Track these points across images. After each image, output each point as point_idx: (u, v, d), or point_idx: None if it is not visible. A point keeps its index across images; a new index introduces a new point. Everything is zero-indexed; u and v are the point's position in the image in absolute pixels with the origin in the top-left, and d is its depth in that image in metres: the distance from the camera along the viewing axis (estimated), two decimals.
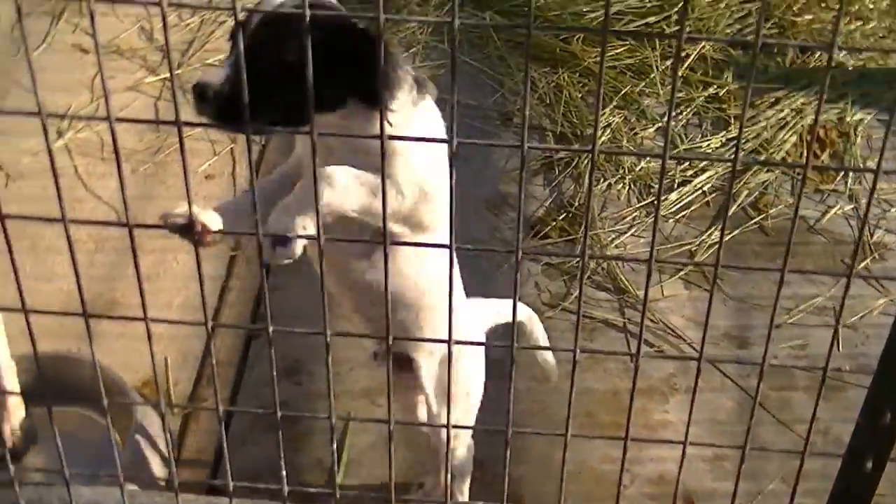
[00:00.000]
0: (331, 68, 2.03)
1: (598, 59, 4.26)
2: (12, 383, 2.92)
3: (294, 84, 1.94)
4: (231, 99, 2.05)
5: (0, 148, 3.98)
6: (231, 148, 4.03)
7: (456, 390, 2.72)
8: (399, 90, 2.19)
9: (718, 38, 4.38)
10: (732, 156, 1.62)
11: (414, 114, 2.23)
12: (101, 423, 3.00)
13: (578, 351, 1.71)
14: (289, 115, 2.10)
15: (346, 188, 2.15)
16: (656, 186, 3.94)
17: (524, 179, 1.46)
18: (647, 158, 4.02)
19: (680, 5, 4.59)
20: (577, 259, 3.66)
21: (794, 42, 4.44)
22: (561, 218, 3.80)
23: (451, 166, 1.43)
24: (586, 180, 3.90)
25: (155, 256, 3.62)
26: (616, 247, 3.75)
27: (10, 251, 1.67)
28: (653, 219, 3.83)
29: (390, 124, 2.09)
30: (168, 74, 4.32)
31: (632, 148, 4.10)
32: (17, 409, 2.97)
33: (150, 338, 1.72)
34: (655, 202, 3.82)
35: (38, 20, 4.54)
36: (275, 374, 1.77)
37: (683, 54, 4.41)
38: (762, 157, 4.07)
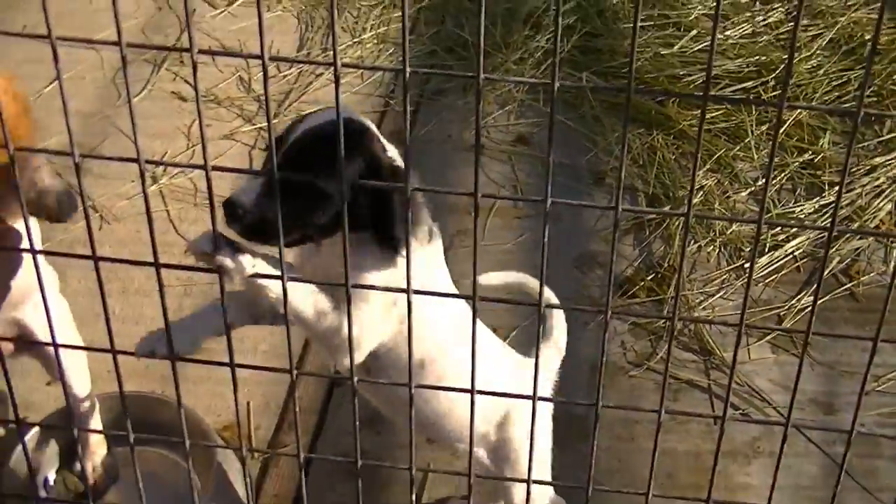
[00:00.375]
0: (356, 198, 2.10)
1: (694, 121, 4.30)
2: (96, 422, 2.96)
3: (321, 206, 2.07)
4: (260, 219, 2.08)
5: (97, 191, 4.04)
6: None
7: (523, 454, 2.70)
8: (415, 238, 2.25)
9: (819, 107, 4.34)
10: (828, 222, 1.60)
11: (422, 261, 2.27)
12: (181, 465, 3.03)
13: (663, 412, 1.70)
14: (313, 233, 2.16)
15: (304, 296, 2.18)
16: (747, 250, 3.92)
17: (616, 240, 1.46)
18: (739, 223, 4.00)
19: (779, 70, 4.57)
20: (666, 319, 3.65)
21: (892, 114, 4.40)
22: (650, 278, 3.78)
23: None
24: (677, 242, 3.89)
25: None
26: (704, 309, 3.73)
27: (102, 293, 1.70)
28: (742, 282, 3.81)
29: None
30: (264, 124, 4.37)
31: (724, 211, 4.08)
32: (99, 448, 3.01)
33: (234, 383, 1.74)
34: (748, 266, 3.80)
35: (139, 68, 4.63)
36: (357, 422, 1.78)
37: (784, 112, 4.39)
38: (856, 225, 4.03)
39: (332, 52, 1.38)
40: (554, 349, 2.82)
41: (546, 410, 2.75)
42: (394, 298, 2.26)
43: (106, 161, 4.13)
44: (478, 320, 2.57)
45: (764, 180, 1.23)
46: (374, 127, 2.26)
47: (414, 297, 2.16)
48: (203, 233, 2.09)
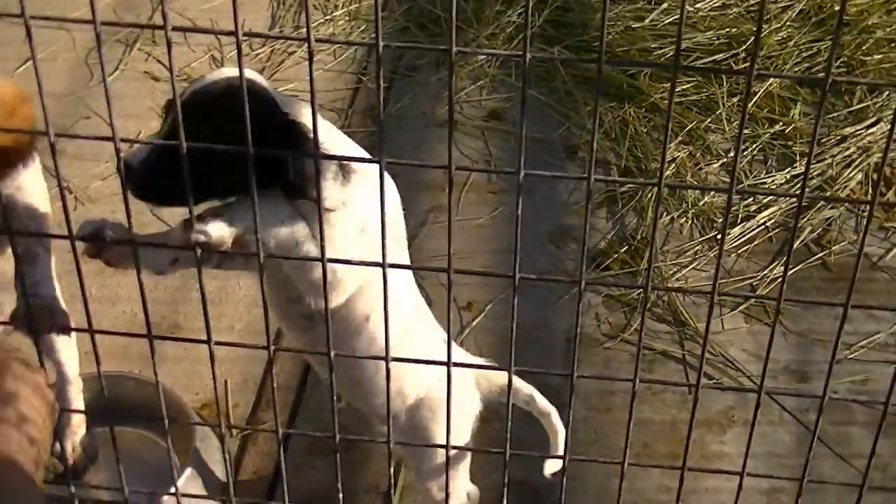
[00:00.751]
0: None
1: (665, 94, 4.31)
2: (78, 401, 2.96)
3: (214, 164, 1.92)
4: (151, 177, 2.08)
5: (72, 172, 4.04)
6: None
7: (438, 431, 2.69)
8: (323, 180, 2.19)
9: (788, 75, 4.37)
10: (798, 192, 1.62)
11: (344, 198, 2.24)
12: (160, 443, 3.04)
13: (638, 381, 1.72)
14: (212, 192, 2.13)
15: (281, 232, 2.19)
16: (719, 221, 3.95)
17: (589, 211, 1.48)
18: (712, 193, 4.02)
19: (749, 42, 4.59)
20: (639, 291, 3.68)
21: (864, 81, 4.43)
22: (623, 250, 3.80)
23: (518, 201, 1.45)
24: (650, 213, 3.91)
25: (219, 281, 3.66)
26: (677, 280, 3.75)
27: (80, 273, 1.71)
28: (715, 253, 3.83)
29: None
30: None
31: (696, 183, 4.10)
32: (79, 428, 3.01)
33: (212, 361, 1.75)
34: (719, 236, 3.83)
35: (111, 48, 4.62)
36: (334, 398, 1.80)
37: (754, 83, 4.41)
38: (827, 195, 4.06)
39: (304, 29, 1.39)
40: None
41: (471, 408, 2.74)
42: (362, 225, 2.26)
43: (80, 142, 4.12)
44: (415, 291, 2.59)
45: (734, 151, 1.24)
46: (265, 83, 2.24)
47: (364, 242, 2.19)
48: (84, 220, 2.10)
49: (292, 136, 2.15)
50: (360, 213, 2.27)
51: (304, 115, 2.19)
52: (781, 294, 1.58)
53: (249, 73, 2.16)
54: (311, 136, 2.13)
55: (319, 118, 2.15)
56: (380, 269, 1.95)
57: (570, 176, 1.51)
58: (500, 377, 2.73)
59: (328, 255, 1.88)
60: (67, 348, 2.85)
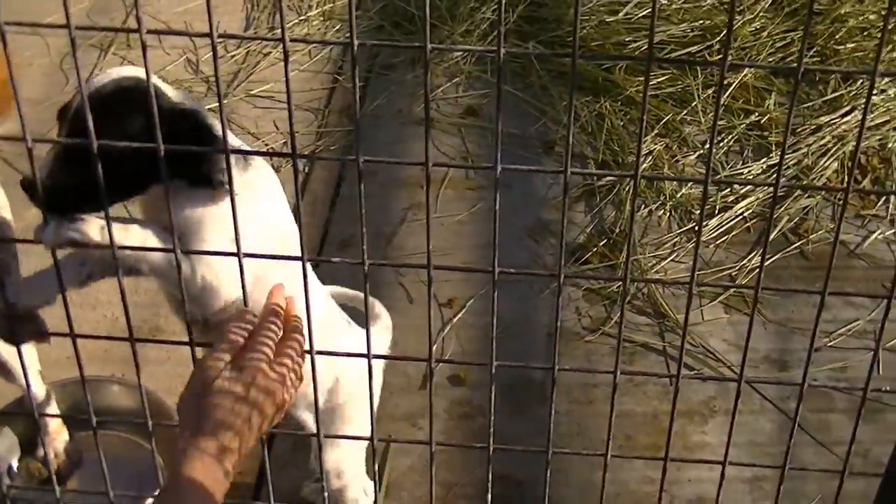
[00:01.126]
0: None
1: (641, 87, 4.33)
2: (52, 408, 2.97)
3: (118, 164, 1.93)
4: (55, 189, 2.04)
5: None
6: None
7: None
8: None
9: (761, 65, 4.37)
10: (774, 181, 1.62)
11: (244, 181, 2.23)
12: (145, 446, 3.04)
13: (619, 373, 1.74)
14: (119, 193, 2.10)
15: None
16: (697, 212, 3.96)
17: (566, 205, 1.49)
18: (689, 185, 4.04)
19: (723, 34, 4.61)
20: (619, 283, 3.69)
21: (836, 69, 4.45)
22: (602, 244, 3.82)
23: (495, 191, 1.46)
24: (628, 206, 3.93)
25: None
26: (656, 272, 3.77)
27: (60, 278, 1.71)
28: (693, 244, 3.85)
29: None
30: (213, 105, 4.37)
31: (673, 174, 4.12)
32: (60, 434, 3.01)
33: (194, 363, 1.76)
34: (697, 227, 3.85)
35: (86, 52, 4.61)
36: (316, 396, 1.80)
37: (725, 82, 4.43)
38: (803, 184, 4.08)
39: (279, 30, 1.40)
40: (384, 328, 2.83)
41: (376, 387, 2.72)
42: (260, 212, 2.28)
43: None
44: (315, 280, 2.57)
45: (710, 142, 1.25)
46: (156, 80, 2.17)
47: (254, 237, 2.19)
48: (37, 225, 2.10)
49: (193, 126, 2.13)
50: (259, 200, 2.30)
51: (200, 107, 2.20)
52: (759, 283, 1.60)
53: (135, 71, 2.14)
54: (211, 124, 2.15)
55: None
56: (275, 263, 1.97)
57: (547, 170, 1.52)
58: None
59: (221, 247, 1.87)
60: (29, 354, 2.86)
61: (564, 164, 1.50)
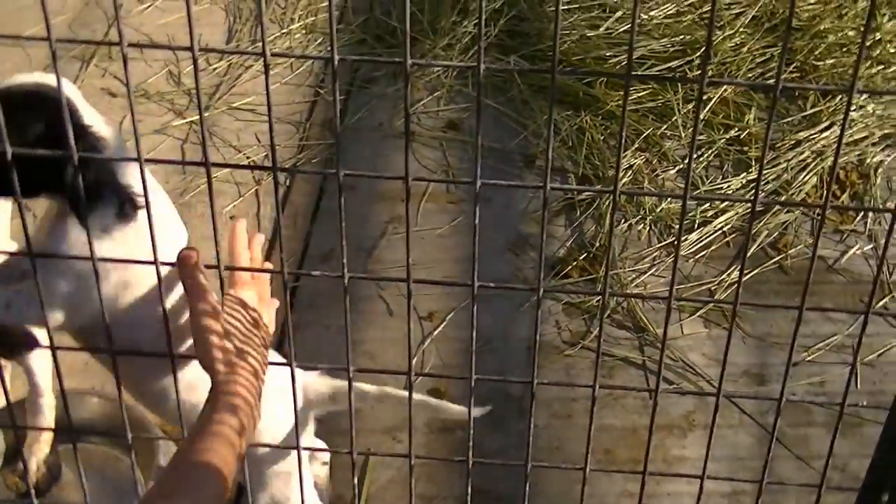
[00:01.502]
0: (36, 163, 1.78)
1: (621, 102, 4.34)
2: (49, 419, 2.96)
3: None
4: None
5: None
6: (256, 189, 4.08)
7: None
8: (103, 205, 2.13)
9: (740, 82, 4.42)
10: (752, 197, 1.62)
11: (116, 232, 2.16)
12: (124, 459, 3.04)
13: (598, 387, 1.74)
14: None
15: None
16: (677, 227, 3.97)
17: (546, 219, 1.50)
18: (669, 199, 4.05)
19: (703, 49, 4.62)
20: (598, 297, 3.70)
21: (815, 86, 4.44)
22: (582, 258, 3.82)
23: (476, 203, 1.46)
24: (608, 220, 3.94)
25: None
26: (636, 286, 3.78)
27: (39, 291, 1.71)
28: (673, 258, 3.86)
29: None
30: (195, 117, 4.38)
31: (653, 189, 4.13)
32: (46, 445, 3.01)
33: (175, 376, 1.76)
34: (676, 242, 3.86)
35: (67, 64, 4.61)
36: (296, 409, 1.81)
37: (705, 97, 4.45)
38: (782, 198, 4.10)
39: (261, 43, 1.41)
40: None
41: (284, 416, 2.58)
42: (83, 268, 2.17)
43: None
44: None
45: (688, 158, 1.25)
46: (68, 91, 2.16)
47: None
48: None
49: (86, 140, 2.11)
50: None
51: (104, 129, 2.18)
52: (737, 298, 1.61)
53: (46, 79, 2.12)
54: (102, 142, 2.13)
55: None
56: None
57: (527, 185, 1.53)
58: (325, 385, 2.67)
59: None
60: (41, 360, 2.86)
61: (544, 180, 1.50)
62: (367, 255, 3.85)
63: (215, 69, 4.65)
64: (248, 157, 4.24)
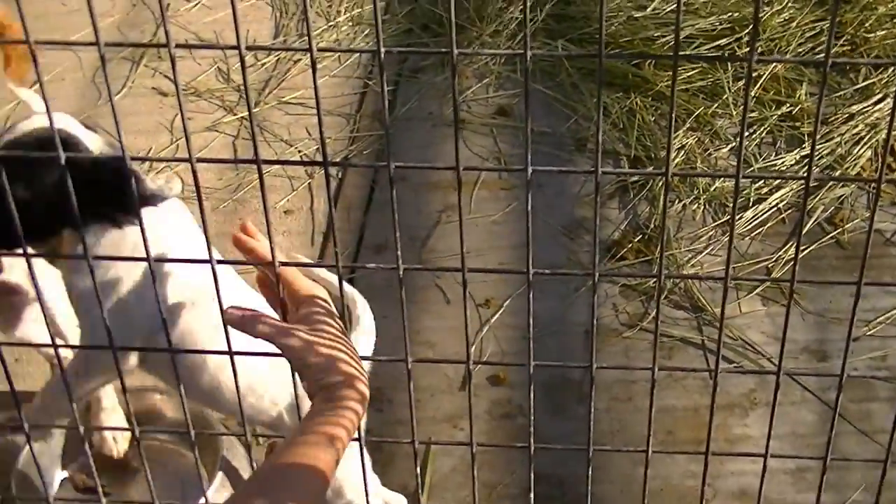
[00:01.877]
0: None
1: (670, 83, 4.31)
2: (114, 418, 3.00)
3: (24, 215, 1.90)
4: None
5: None
6: (308, 183, 4.10)
7: None
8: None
9: (788, 59, 4.38)
10: (806, 173, 1.60)
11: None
12: (187, 455, 3.06)
13: (657, 369, 1.74)
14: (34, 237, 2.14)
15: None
16: (731, 205, 3.95)
17: (599, 204, 1.49)
18: (722, 178, 4.03)
19: (750, 27, 4.59)
20: (655, 279, 3.68)
21: (865, 61, 4.41)
22: (637, 240, 3.81)
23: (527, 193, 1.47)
24: (661, 202, 3.92)
25: None
26: (692, 266, 3.76)
27: (97, 291, 1.73)
28: (728, 237, 3.83)
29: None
30: (245, 113, 4.39)
31: (706, 169, 4.11)
32: (122, 441, 3.05)
33: (234, 372, 1.77)
34: (730, 221, 3.84)
35: (118, 65, 4.64)
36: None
37: (755, 74, 4.42)
38: (836, 173, 4.06)
39: (307, 39, 1.41)
40: (364, 335, 2.78)
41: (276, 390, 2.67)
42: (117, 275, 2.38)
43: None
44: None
45: (740, 136, 1.24)
46: (71, 128, 2.33)
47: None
48: None
49: (98, 170, 2.18)
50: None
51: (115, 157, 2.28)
52: (794, 276, 1.60)
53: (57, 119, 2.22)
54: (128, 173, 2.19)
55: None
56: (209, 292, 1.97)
57: (578, 171, 1.53)
58: None
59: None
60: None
61: (595, 165, 1.50)
62: (421, 245, 3.85)
63: (264, 64, 4.66)
64: (299, 152, 4.25)
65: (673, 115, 1.40)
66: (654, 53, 4.47)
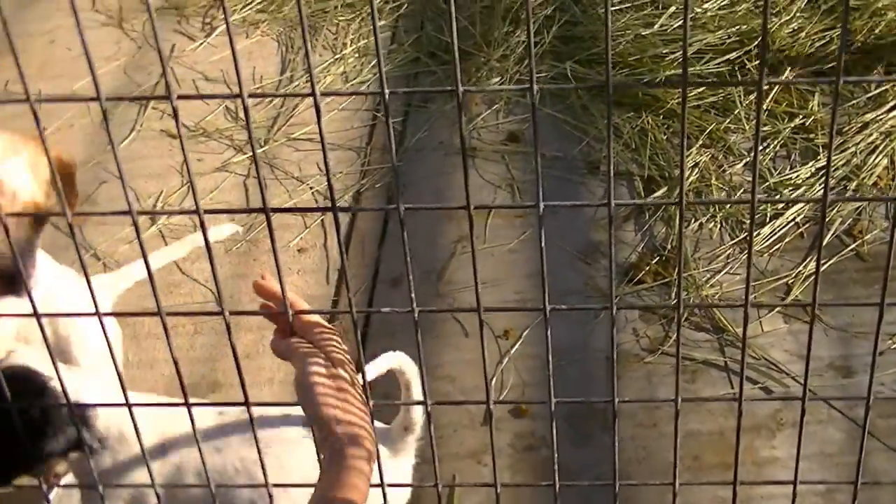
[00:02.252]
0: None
1: (681, 100, 4.29)
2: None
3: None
4: None
5: (97, 239, 4.05)
6: (321, 220, 4.07)
7: None
8: None
9: (798, 80, 4.30)
10: (822, 186, 1.57)
11: None
12: None
13: (680, 400, 1.71)
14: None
15: None
16: (748, 222, 3.91)
17: (613, 236, 1.47)
18: (738, 194, 3.99)
19: (758, 40, 4.56)
20: (673, 308, 3.64)
21: (875, 78, 4.39)
22: (654, 262, 3.78)
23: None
24: (678, 223, 3.88)
25: (253, 334, 3.66)
26: (711, 286, 3.72)
27: (109, 344, 1.70)
28: (747, 256, 3.79)
29: None
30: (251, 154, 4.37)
31: (721, 186, 4.07)
32: None
33: (252, 422, 1.75)
34: (748, 243, 3.80)
35: (126, 109, 4.62)
36: (378, 447, 1.78)
37: (766, 87, 4.38)
38: (853, 183, 4.02)
39: (317, 77, 1.39)
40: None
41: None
42: None
43: (104, 208, 4.13)
44: None
45: (754, 154, 1.22)
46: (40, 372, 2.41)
47: None
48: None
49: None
50: None
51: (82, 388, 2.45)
52: (815, 297, 1.57)
53: (28, 358, 2.42)
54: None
55: None
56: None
57: (591, 204, 1.50)
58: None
59: None
60: None
61: (608, 195, 1.48)
62: (437, 278, 3.82)
63: (272, 102, 4.65)
64: (311, 188, 4.23)
65: (685, 142, 1.37)
66: (665, 78, 4.43)
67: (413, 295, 1.61)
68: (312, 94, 1.43)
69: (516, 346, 3.55)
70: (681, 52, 4.52)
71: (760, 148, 4.21)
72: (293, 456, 2.49)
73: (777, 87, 4.40)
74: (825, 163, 4.09)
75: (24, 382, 2.36)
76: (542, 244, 1.54)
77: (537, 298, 3.67)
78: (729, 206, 3.97)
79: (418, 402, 1.76)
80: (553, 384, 1.66)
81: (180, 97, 1.44)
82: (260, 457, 1.76)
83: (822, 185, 3.93)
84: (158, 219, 4.08)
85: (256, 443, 1.73)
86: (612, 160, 1.45)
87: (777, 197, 3.63)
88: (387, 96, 1.43)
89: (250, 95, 1.45)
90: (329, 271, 3.91)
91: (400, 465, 2.71)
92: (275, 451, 2.49)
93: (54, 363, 1.72)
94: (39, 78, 4.65)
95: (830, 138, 1.45)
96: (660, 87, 4.50)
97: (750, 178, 4.08)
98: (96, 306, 1.60)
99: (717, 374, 3.46)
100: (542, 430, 3.34)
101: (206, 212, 1.55)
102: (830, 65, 4.45)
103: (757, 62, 4.47)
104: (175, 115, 1.45)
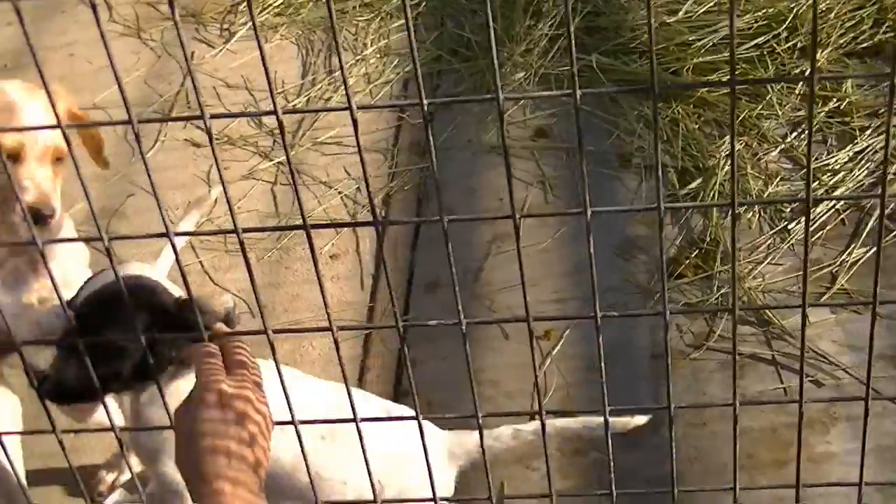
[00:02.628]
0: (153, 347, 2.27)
1: (710, 88, 4.22)
2: None
3: (117, 361, 2.30)
4: (64, 381, 2.26)
5: (129, 252, 3.99)
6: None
7: None
8: None
9: (849, 74, 4.22)
10: (866, 169, 1.53)
11: None
12: None
13: (738, 404, 1.66)
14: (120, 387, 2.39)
15: None
16: (787, 210, 3.84)
17: (663, 244, 1.41)
18: (776, 182, 3.92)
19: (790, 19, 4.48)
20: (720, 298, 3.57)
21: None
22: (694, 255, 3.71)
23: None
24: (716, 215, 3.81)
25: (291, 343, 3.61)
26: (754, 278, 3.65)
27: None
28: (788, 245, 3.73)
29: None
30: (281, 157, 4.33)
31: (757, 175, 3.99)
32: None
33: (299, 433, 1.71)
34: (795, 235, 3.73)
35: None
36: (427, 459, 1.74)
37: (798, 70, 4.32)
38: (893, 167, 3.93)
39: (339, 79, 1.34)
40: None
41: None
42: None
43: (133, 222, 4.12)
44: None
45: (808, 155, 1.18)
46: (153, 279, 2.39)
47: None
48: None
49: (183, 311, 2.31)
50: None
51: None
52: (875, 295, 1.53)
53: (140, 269, 2.42)
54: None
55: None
56: None
57: (638, 209, 1.45)
58: (471, 442, 2.68)
59: None
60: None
61: (657, 200, 1.42)
62: (473, 279, 3.76)
63: (295, 105, 4.59)
64: (339, 193, 4.17)
65: (734, 144, 1.31)
66: (711, 80, 4.32)
67: (460, 307, 1.56)
68: (349, 107, 1.38)
69: (558, 347, 3.48)
70: (708, 40, 4.45)
71: (795, 133, 4.14)
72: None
73: (808, 70, 4.32)
74: (864, 145, 4.02)
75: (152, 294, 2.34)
76: (591, 250, 1.50)
77: (576, 297, 3.61)
78: (765, 195, 3.90)
79: (468, 416, 1.70)
80: (601, 390, 1.63)
81: (213, 116, 1.39)
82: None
83: (864, 172, 3.88)
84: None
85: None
86: (658, 162, 1.39)
87: (832, 197, 3.54)
88: (425, 106, 1.37)
89: (285, 112, 1.40)
90: (363, 276, 3.86)
91: (452, 473, 2.69)
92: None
93: None
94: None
95: (888, 136, 1.39)
96: (706, 86, 4.43)
97: (786, 166, 4.01)
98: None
99: (765, 368, 3.39)
100: (590, 432, 3.26)
101: (245, 231, 1.51)
102: (863, 45, 4.37)
103: (787, 45, 4.40)
104: (209, 136, 1.41)
